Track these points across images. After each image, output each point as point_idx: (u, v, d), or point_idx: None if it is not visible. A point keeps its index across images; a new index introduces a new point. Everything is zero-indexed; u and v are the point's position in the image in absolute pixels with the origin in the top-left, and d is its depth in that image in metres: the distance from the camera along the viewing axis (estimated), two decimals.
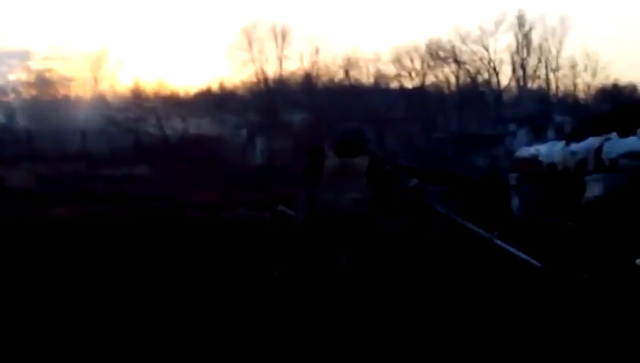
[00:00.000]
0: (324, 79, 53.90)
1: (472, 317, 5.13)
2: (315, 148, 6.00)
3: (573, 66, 47.73)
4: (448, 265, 6.84)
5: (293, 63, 55.11)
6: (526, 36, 48.08)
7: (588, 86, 47.04)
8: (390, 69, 50.10)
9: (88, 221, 10.26)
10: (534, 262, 6.39)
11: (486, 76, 48.58)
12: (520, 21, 47.73)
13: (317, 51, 55.60)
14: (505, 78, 48.77)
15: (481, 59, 48.18)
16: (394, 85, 50.01)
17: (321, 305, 5.13)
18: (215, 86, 57.11)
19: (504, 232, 7.44)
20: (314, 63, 55.35)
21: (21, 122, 55.27)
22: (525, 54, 48.33)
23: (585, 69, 46.55)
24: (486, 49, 47.95)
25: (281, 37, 56.65)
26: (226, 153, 30.59)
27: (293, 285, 5.73)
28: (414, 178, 7.23)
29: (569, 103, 43.73)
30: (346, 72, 52.09)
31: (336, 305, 5.10)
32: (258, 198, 12.98)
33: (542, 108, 38.21)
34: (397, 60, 49.69)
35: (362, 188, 5.54)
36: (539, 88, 48.61)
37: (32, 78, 69.22)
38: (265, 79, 55.15)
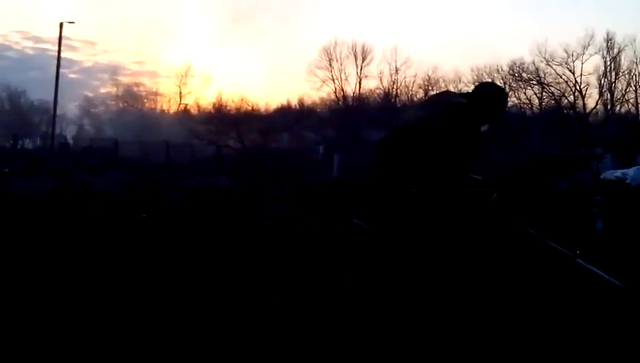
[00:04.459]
0: (404, 98, 53.80)
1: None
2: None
3: None
4: (522, 288, 6.64)
5: (373, 82, 55.34)
6: (615, 59, 46.67)
7: None
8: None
9: (165, 224, 10.56)
10: (616, 282, 6.13)
11: (571, 98, 47.38)
12: (609, 44, 46.40)
13: (397, 71, 55.59)
14: (591, 101, 47.40)
15: (566, 81, 47.04)
16: None
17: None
18: (294, 102, 57.99)
19: (587, 251, 7.17)
20: (394, 82, 55.35)
21: (109, 132, 57.84)
22: (613, 77, 46.89)
23: None
24: (572, 71, 46.82)
25: (361, 56, 57.00)
26: (304, 167, 30.90)
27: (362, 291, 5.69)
28: (495, 194, 7.05)
29: None
30: (426, 92, 51.84)
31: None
32: (334, 211, 13.03)
33: (630, 132, 36.86)
34: (478, 81, 49.13)
35: (447, 214, 5.40)
36: (628, 112, 46.99)
37: (120, 91, 72.45)
38: (345, 97, 55.49)
